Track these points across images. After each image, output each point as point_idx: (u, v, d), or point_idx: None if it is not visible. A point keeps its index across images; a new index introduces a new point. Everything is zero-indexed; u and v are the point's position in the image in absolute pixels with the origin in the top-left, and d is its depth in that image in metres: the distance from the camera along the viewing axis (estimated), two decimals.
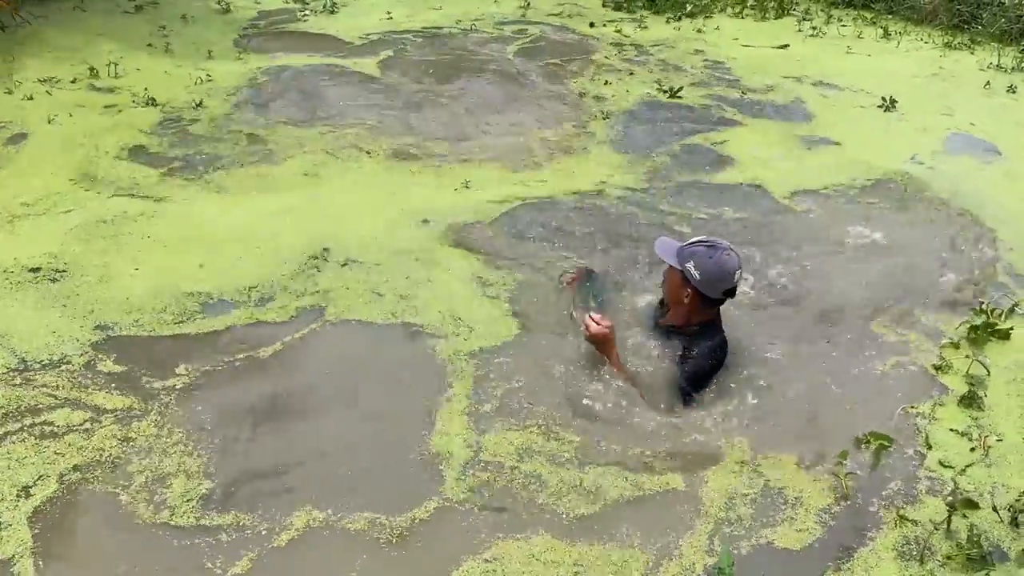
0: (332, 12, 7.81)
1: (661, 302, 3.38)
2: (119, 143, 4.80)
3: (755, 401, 3.06)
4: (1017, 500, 2.55)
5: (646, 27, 8.04)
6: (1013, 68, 7.02)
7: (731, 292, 3.08)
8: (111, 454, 2.64)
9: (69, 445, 2.65)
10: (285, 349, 3.18)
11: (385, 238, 3.96)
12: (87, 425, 2.73)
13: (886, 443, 2.79)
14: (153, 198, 4.23)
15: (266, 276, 3.60)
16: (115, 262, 3.63)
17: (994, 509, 2.53)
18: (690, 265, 3.03)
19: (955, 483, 2.64)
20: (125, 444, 2.68)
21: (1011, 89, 6.56)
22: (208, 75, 5.89)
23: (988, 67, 7.04)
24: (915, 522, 2.52)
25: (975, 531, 2.43)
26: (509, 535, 2.45)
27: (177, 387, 2.94)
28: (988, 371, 3.16)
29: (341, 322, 3.35)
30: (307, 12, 7.80)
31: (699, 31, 7.98)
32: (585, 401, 3.00)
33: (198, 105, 5.35)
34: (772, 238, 4.24)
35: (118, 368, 3.00)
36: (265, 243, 3.84)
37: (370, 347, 3.25)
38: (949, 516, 2.48)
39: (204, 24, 7.24)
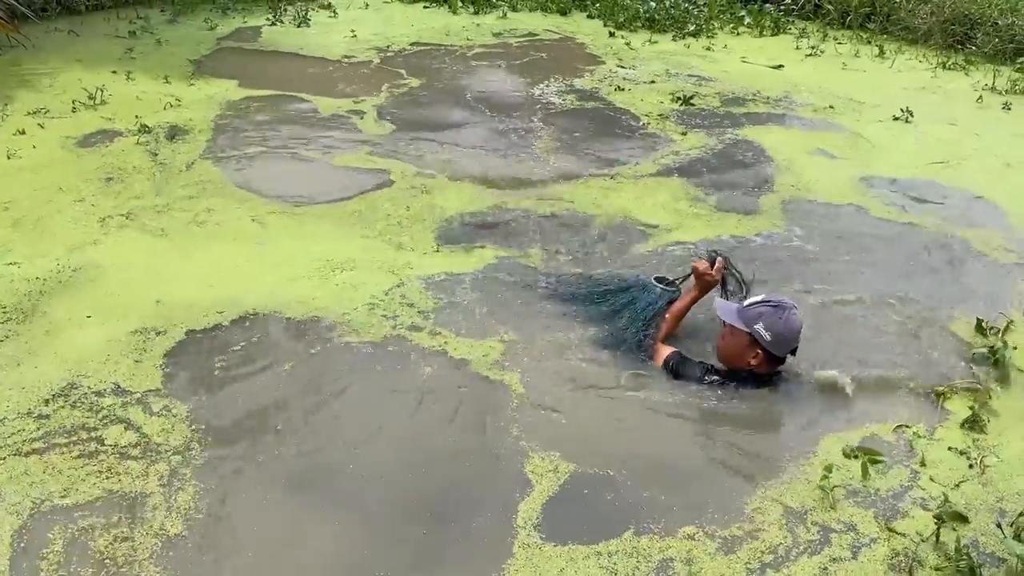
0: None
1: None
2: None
3: (744, 406, 3.04)
4: (1020, 516, 2.51)
5: (656, 41, 8.29)
6: (1007, 90, 7.05)
7: (795, 351, 3.08)
8: None
9: None
10: None
11: None
12: None
13: (876, 458, 2.76)
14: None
15: None
16: None
17: (998, 526, 2.50)
18: (759, 327, 2.99)
19: (946, 497, 2.61)
20: None
21: (1006, 107, 6.60)
22: (178, 99, 5.94)
23: (984, 88, 7.07)
24: (903, 535, 2.49)
25: (963, 543, 2.39)
26: None
27: None
28: (990, 395, 3.12)
29: None
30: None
31: (708, 49, 8.18)
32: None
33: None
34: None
35: None
36: None
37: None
38: (938, 529, 2.45)
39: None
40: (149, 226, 4.16)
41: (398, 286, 3.70)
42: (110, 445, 2.72)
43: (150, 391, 2.98)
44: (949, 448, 2.86)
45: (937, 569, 2.35)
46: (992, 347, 3.32)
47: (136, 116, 5.47)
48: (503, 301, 3.63)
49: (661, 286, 3.45)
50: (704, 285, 3.36)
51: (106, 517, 2.45)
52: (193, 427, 2.82)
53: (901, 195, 4.94)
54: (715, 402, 3.06)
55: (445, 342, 3.32)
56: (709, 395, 3.08)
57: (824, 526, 2.53)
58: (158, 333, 3.30)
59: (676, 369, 3.14)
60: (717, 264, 3.37)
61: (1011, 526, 2.49)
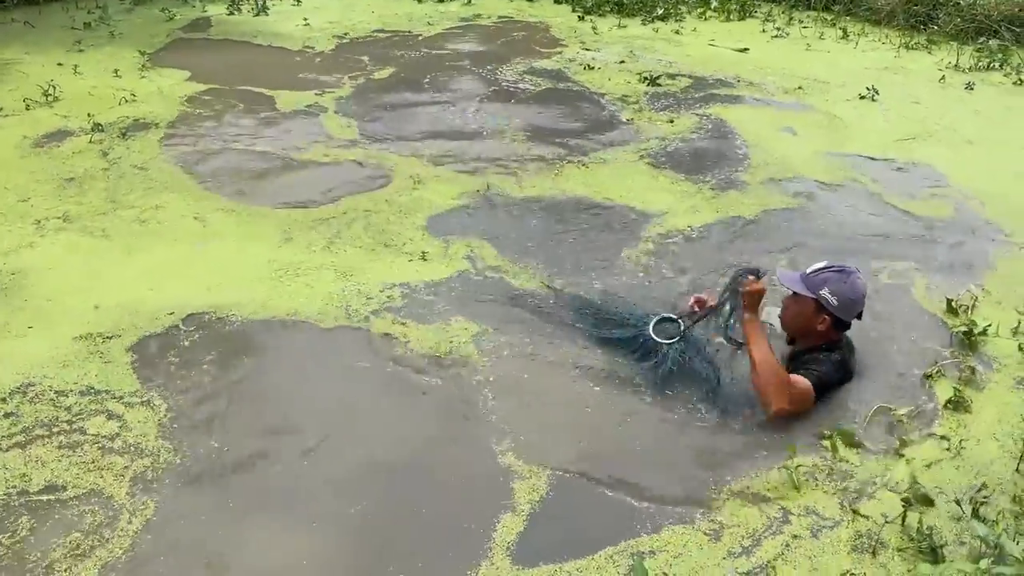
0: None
1: None
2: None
3: (724, 388, 2.98)
4: (979, 492, 2.49)
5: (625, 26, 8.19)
6: (969, 68, 7.08)
7: (860, 315, 3.03)
8: None
9: None
10: None
11: None
12: None
13: (847, 440, 2.72)
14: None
15: None
16: None
17: (956, 502, 2.47)
18: (825, 292, 2.93)
19: (915, 479, 2.56)
20: None
21: (969, 86, 6.62)
22: (133, 94, 5.76)
23: (947, 67, 7.10)
24: (867, 517, 2.45)
25: (925, 525, 2.36)
26: None
27: None
28: (974, 373, 3.08)
29: None
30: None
31: (676, 32, 8.15)
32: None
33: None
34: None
35: None
36: None
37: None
38: (904, 512, 2.40)
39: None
40: (90, 227, 3.98)
41: (357, 285, 3.57)
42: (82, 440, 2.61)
43: (104, 392, 2.86)
44: (928, 432, 2.81)
45: (900, 550, 2.31)
46: (968, 330, 3.29)
47: (88, 114, 5.25)
48: (475, 299, 3.49)
49: (662, 339, 3.11)
50: (753, 301, 2.95)
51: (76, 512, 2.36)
52: (158, 430, 2.71)
53: (870, 171, 4.95)
54: (689, 390, 2.98)
55: (406, 336, 3.23)
56: (685, 381, 3.01)
57: (787, 509, 2.48)
58: (105, 337, 3.17)
59: (822, 389, 2.93)
60: (749, 284, 2.96)
61: (970, 502, 2.46)
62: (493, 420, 2.80)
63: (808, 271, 3.04)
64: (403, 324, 3.30)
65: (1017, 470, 2.62)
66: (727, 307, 3.04)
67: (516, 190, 4.53)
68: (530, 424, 2.79)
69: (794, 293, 3.04)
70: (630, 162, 4.97)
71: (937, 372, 3.08)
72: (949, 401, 2.93)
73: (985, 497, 2.48)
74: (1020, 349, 3.24)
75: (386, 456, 2.64)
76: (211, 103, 5.70)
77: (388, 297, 3.47)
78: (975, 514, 2.39)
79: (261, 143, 5.05)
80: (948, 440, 2.76)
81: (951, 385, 3.00)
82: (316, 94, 5.93)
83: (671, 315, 3.22)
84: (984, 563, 2.07)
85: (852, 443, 2.73)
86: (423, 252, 3.83)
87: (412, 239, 3.97)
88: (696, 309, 3.17)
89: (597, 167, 4.88)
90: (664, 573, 2.25)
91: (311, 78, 6.32)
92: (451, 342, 3.19)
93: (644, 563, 2.23)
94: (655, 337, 3.13)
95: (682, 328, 3.13)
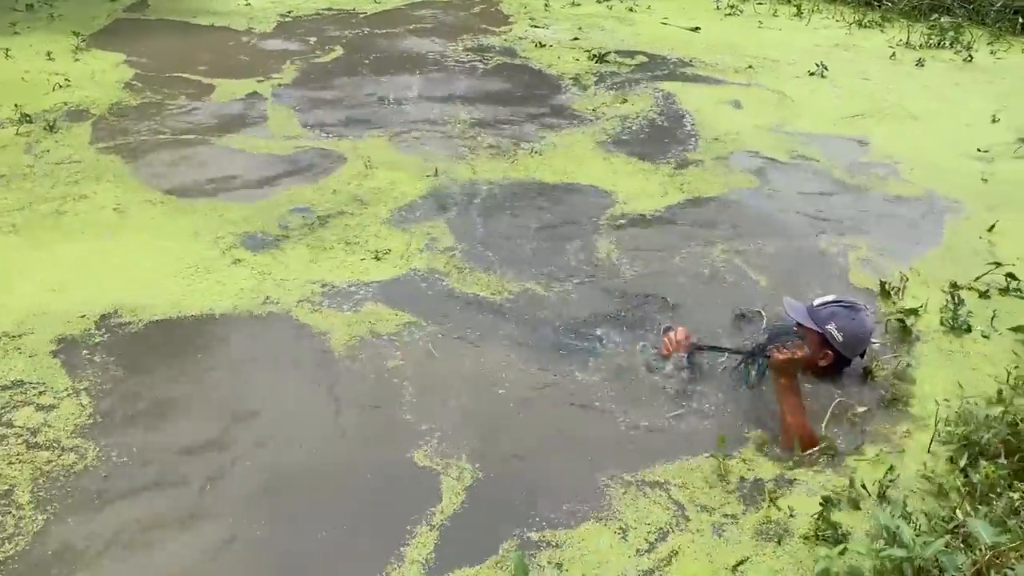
0: None
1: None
2: None
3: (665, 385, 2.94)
4: (885, 475, 2.47)
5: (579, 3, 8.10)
6: (921, 45, 7.06)
7: (864, 353, 2.96)
8: None
9: None
10: None
11: None
12: None
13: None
14: None
15: None
16: None
17: (862, 486, 2.45)
18: (831, 327, 2.85)
19: (844, 471, 2.54)
20: None
21: (919, 63, 6.60)
22: (66, 79, 5.56)
23: (898, 44, 7.08)
24: (779, 508, 2.41)
25: (830, 513, 2.33)
26: None
27: None
28: (912, 365, 3.04)
29: None
30: None
31: (630, 10, 8.05)
32: None
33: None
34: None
35: None
36: None
37: None
38: (823, 507, 2.36)
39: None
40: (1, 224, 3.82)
41: (276, 279, 3.46)
42: None
43: None
44: (863, 427, 2.77)
45: (804, 538, 2.28)
46: (902, 318, 3.27)
47: (16, 105, 4.99)
48: (408, 294, 3.39)
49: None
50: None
51: None
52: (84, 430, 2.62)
53: (815, 147, 4.95)
54: (627, 389, 2.92)
55: (328, 332, 3.15)
56: (624, 382, 2.95)
57: (704, 502, 2.45)
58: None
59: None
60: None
61: (875, 484, 2.45)
62: (409, 419, 2.72)
63: (815, 303, 2.96)
64: (323, 317, 3.22)
65: (929, 451, 2.62)
66: (753, 363, 2.88)
67: (468, 175, 4.43)
68: (445, 422, 2.72)
69: (799, 324, 2.94)
70: (584, 145, 4.89)
71: (876, 366, 3.03)
72: (883, 397, 2.89)
73: (891, 480, 2.47)
74: (942, 324, 3.25)
75: (298, 460, 2.56)
76: (146, 88, 5.53)
77: (311, 292, 3.38)
78: (881, 497, 2.38)
79: (197, 131, 4.89)
80: (881, 434, 2.74)
81: (887, 377, 2.97)
82: (258, 80, 5.76)
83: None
84: (880, 543, 2.05)
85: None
86: (366, 245, 3.72)
87: (357, 233, 3.84)
88: (668, 348, 2.99)
89: (551, 150, 4.80)
90: (555, 564, 2.21)
91: (252, 61, 6.16)
92: (373, 337, 3.11)
93: (526, 558, 2.19)
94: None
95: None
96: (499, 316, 3.27)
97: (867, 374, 3.00)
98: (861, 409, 2.82)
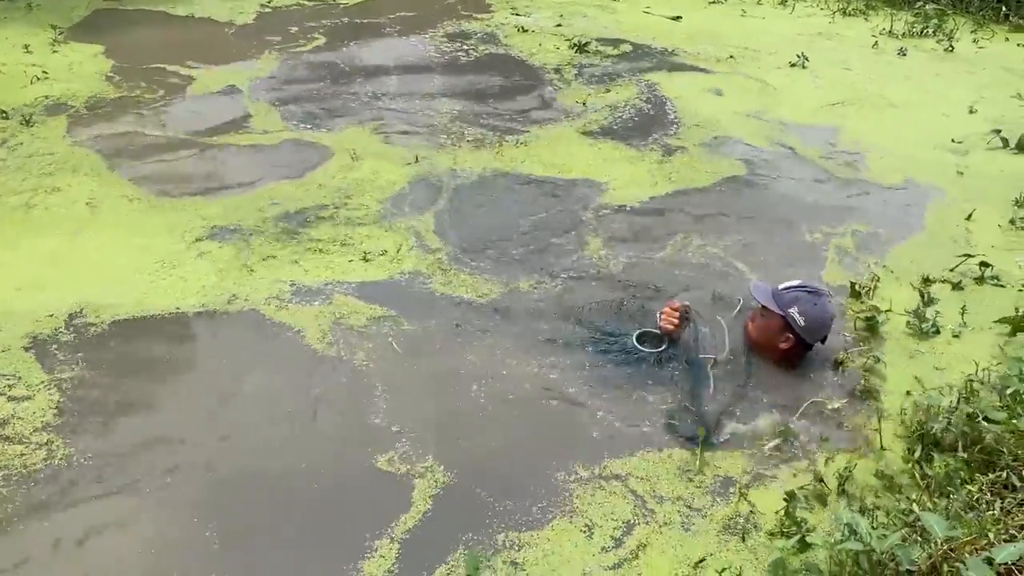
0: None
1: None
2: None
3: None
4: (844, 468, 2.50)
5: None
6: (904, 33, 7.06)
7: (825, 339, 2.99)
8: None
9: None
10: None
11: None
12: None
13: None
14: None
15: None
16: None
17: (820, 480, 2.48)
18: (793, 311, 2.91)
19: (811, 466, 2.57)
20: None
21: (902, 51, 6.60)
22: (44, 71, 5.51)
23: (881, 33, 7.07)
24: (753, 502, 2.44)
25: (794, 509, 2.36)
26: None
27: None
28: (878, 362, 3.05)
29: None
30: None
31: None
32: None
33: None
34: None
35: None
36: None
37: None
38: (788, 503, 2.38)
39: None
40: None
41: (239, 279, 3.43)
42: None
43: None
44: (839, 423, 2.78)
45: (770, 534, 2.31)
46: (870, 316, 3.28)
47: None
48: (386, 292, 3.38)
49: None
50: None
51: None
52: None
53: (793, 136, 4.98)
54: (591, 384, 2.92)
55: (298, 330, 3.16)
56: (591, 375, 2.95)
57: (672, 496, 2.47)
58: None
59: None
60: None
61: (836, 476, 2.47)
62: (377, 422, 2.71)
63: (780, 287, 3.02)
64: (290, 314, 3.21)
65: (881, 447, 2.65)
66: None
67: (451, 167, 4.42)
68: (413, 423, 2.71)
69: (763, 307, 3.00)
70: (569, 135, 4.89)
71: (847, 359, 3.05)
72: (853, 390, 2.91)
73: (850, 473, 2.50)
74: (909, 326, 3.28)
75: (263, 463, 2.55)
76: (125, 81, 5.49)
77: (280, 291, 3.36)
78: (842, 491, 2.40)
79: (176, 125, 4.86)
80: (849, 429, 2.76)
81: (856, 375, 2.99)
82: (237, 71, 5.72)
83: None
84: (837, 535, 2.09)
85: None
86: (350, 243, 3.70)
87: (343, 230, 3.81)
88: (665, 320, 3.02)
89: (536, 140, 4.79)
90: (514, 564, 2.23)
91: (232, 53, 6.11)
92: (343, 335, 3.12)
93: (481, 556, 2.22)
94: (639, 347, 3.02)
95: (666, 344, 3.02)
96: (478, 312, 3.27)
97: (838, 365, 3.02)
98: (832, 405, 2.84)
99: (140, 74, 5.61)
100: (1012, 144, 4.91)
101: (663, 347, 3.01)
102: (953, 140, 4.99)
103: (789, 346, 2.96)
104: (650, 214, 4.06)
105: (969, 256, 3.69)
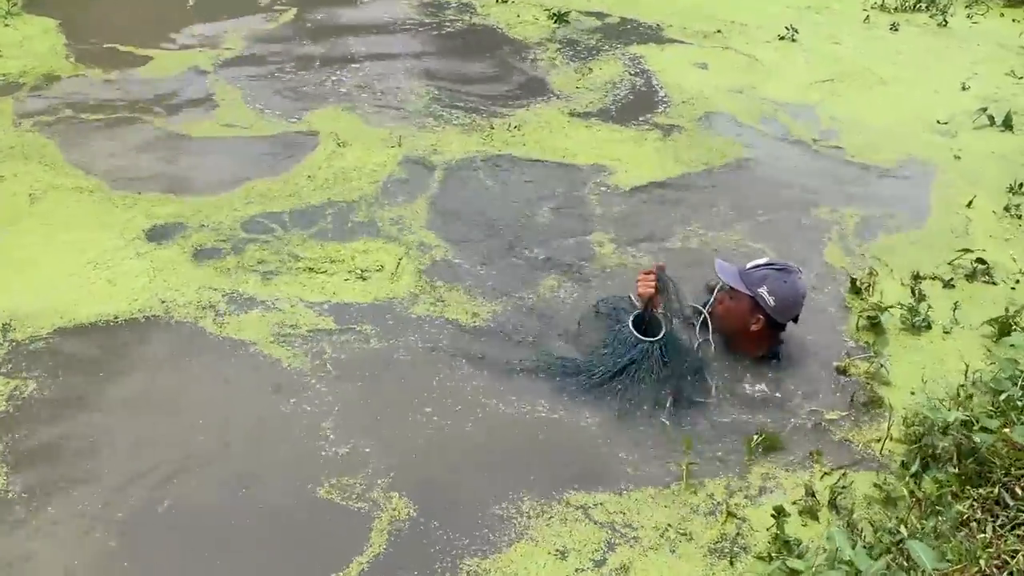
0: None
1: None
2: None
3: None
4: (837, 482, 2.36)
5: None
6: (896, 8, 6.86)
7: (797, 318, 2.83)
8: None
9: None
10: None
11: None
12: None
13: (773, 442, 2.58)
14: None
15: None
16: None
17: (812, 494, 2.34)
18: (763, 290, 2.74)
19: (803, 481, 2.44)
20: None
21: (894, 27, 6.41)
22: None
23: (873, 7, 6.87)
24: (743, 519, 2.30)
25: (783, 526, 2.23)
26: None
27: None
28: (886, 368, 2.91)
29: None
30: None
31: None
32: None
33: None
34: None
35: None
36: None
37: None
38: (778, 518, 2.24)
39: None
40: None
41: (175, 283, 3.16)
42: None
43: None
44: (834, 433, 2.66)
45: (759, 558, 2.17)
46: (872, 315, 3.14)
47: None
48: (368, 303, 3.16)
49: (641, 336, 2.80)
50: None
51: None
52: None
53: (782, 112, 4.87)
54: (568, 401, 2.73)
55: (251, 340, 2.94)
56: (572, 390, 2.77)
57: (652, 524, 2.34)
58: None
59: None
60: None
61: (827, 490, 2.36)
62: (331, 447, 2.50)
63: (748, 266, 2.84)
64: (228, 322, 2.98)
65: (880, 452, 2.54)
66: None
67: (434, 157, 4.16)
68: (372, 447, 2.51)
69: (731, 288, 2.81)
70: (559, 115, 4.68)
71: (849, 364, 2.92)
72: (853, 399, 2.79)
73: (843, 487, 2.39)
74: (905, 323, 3.15)
75: (201, 495, 2.32)
76: (80, 59, 5.17)
77: (212, 300, 3.07)
78: (833, 506, 2.31)
79: (134, 109, 4.55)
80: (844, 442, 2.63)
81: (859, 380, 2.86)
82: (201, 49, 5.40)
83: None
84: (818, 559, 2.00)
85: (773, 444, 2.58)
86: (336, 240, 3.48)
87: (311, 231, 3.56)
88: (642, 285, 2.79)
89: (526, 122, 4.55)
90: None
91: (198, 28, 5.79)
92: (301, 349, 2.89)
93: None
94: (636, 334, 2.78)
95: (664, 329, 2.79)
96: (453, 331, 3.03)
97: (839, 372, 2.89)
98: (829, 416, 2.70)
99: (97, 53, 5.29)
100: (999, 122, 4.76)
101: (662, 335, 2.75)
102: (938, 122, 4.85)
103: (760, 327, 2.79)
104: (655, 202, 3.92)
105: (968, 251, 3.56)
